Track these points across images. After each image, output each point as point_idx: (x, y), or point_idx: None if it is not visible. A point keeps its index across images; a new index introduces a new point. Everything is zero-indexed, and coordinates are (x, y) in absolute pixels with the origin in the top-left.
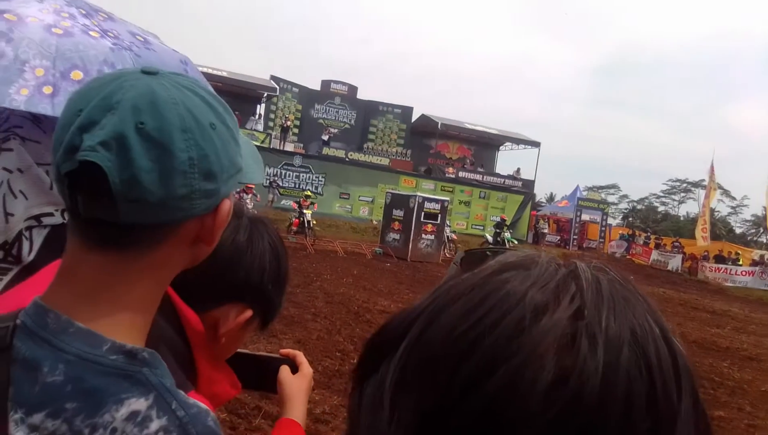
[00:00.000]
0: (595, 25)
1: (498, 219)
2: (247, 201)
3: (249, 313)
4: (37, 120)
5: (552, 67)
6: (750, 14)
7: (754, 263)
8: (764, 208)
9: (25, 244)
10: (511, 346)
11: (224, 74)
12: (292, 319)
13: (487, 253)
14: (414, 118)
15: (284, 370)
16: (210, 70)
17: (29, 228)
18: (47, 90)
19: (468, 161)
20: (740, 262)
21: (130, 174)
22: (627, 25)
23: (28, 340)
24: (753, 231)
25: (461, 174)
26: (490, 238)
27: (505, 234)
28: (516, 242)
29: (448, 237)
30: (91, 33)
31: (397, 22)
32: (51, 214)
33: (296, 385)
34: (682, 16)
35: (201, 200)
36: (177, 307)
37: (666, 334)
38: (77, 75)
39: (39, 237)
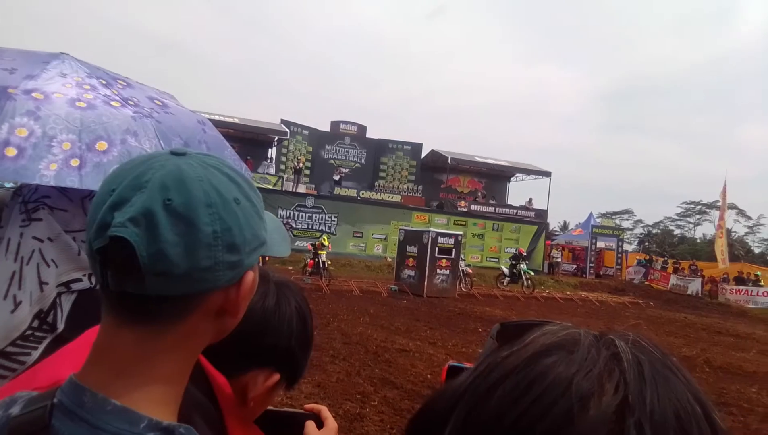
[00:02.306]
0: (603, 51)
1: (515, 251)
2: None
3: (276, 377)
4: (63, 189)
5: (560, 95)
6: (758, 34)
7: None
8: None
9: (58, 312)
10: None
11: (236, 120)
12: (311, 363)
13: (524, 324)
14: (424, 154)
15: (309, 426)
16: (222, 118)
17: (59, 294)
18: (74, 162)
19: (479, 194)
20: (761, 283)
21: (157, 248)
22: (635, 50)
23: (67, 419)
24: None
25: (473, 207)
26: (506, 271)
27: (522, 266)
28: (532, 274)
29: (463, 271)
30: (112, 103)
31: (403, 60)
32: (79, 280)
33: None
34: (690, 38)
35: (225, 272)
36: (207, 373)
37: (708, 412)
38: (102, 145)
39: (67, 303)
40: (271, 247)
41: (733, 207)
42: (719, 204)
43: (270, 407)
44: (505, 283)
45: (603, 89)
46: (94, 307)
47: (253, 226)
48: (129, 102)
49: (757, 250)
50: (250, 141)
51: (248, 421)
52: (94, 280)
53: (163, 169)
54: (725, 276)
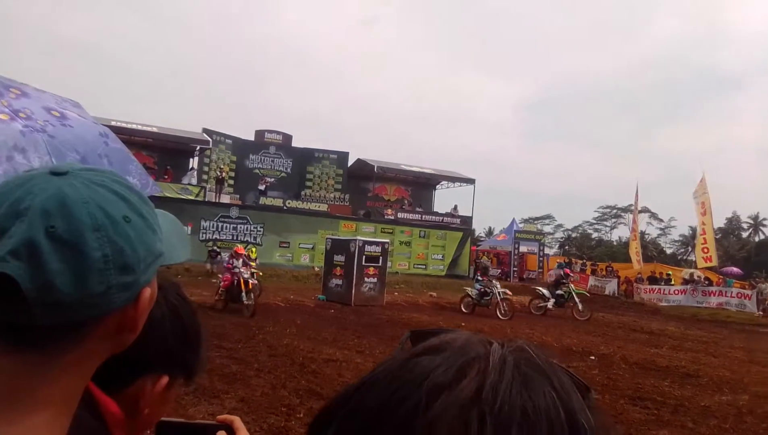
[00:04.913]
0: (526, 61)
1: (560, 271)
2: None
3: (165, 380)
4: None
5: (484, 104)
6: (668, 45)
7: (685, 282)
8: (691, 227)
9: None
10: (407, 428)
11: (154, 129)
12: (234, 377)
13: (432, 331)
14: (350, 162)
15: None
16: (139, 127)
17: None
18: None
19: (406, 202)
20: (672, 282)
21: (44, 280)
22: (555, 60)
23: None
24: (682, 250)
25: (400, 215)
26: (546, 293)
27: (570, 286)
28: (587, 294)
29: (499, 293)
30: (0, 116)
31: (330, 68)
32: None
33: None
34: (605, 48)
35: (119, 294)
36: (91, 393)
37: (571, 412)
38: None
39: None
40: (169, 256)
41: (645, 210)
42: (633, 208)
43: (179, 420)
44: (550, 306)
45: (524, 98)
46: None
47: (146, 242)
48: (20, 114)
49: (668, 251)
50: (171, 151)
51: (145, 427)
52: None
53: (44, 192)
54: (639, 276)
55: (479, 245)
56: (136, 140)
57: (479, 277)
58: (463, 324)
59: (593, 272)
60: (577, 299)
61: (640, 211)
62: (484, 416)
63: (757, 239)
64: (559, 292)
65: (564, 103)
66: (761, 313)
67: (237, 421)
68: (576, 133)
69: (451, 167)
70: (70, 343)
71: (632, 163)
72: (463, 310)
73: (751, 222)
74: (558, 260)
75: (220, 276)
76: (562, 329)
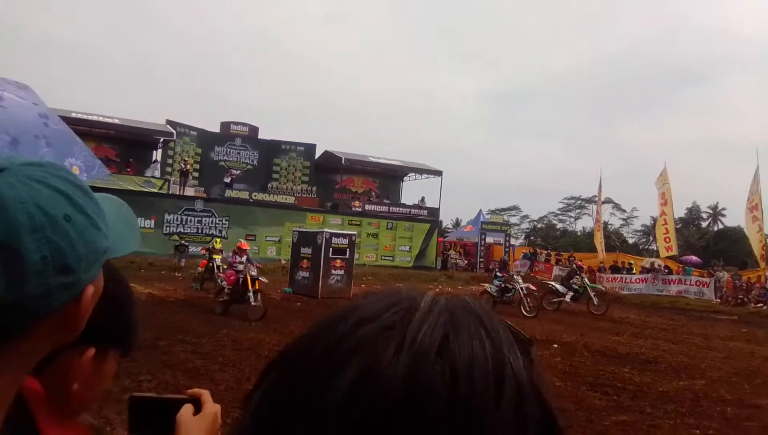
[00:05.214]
0: (493, 55)
1: (573, 265)
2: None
3: (91, 351)
4: None
5: (452, 97)
6: (630, 40)
7: (645, 271)
8: (652, 217)
9: None
10: (332, 354)
11: (116, 121)
12: (198, 372)
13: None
14: (317, 154)
15: (184, 410)
16: (100, 118)
17: None
18: None
19: (373, 194)
20: (634, 271)
21: None
22: (521, 54)
23: None
24: (644, 240)
25: (367, 207)
26: (560, 288)
27: (585, 280)
28: (603, 288)
29: (522, 289)
30: None
31: (298, 60)
32: None
33: (195, 427)
34: (573, 43)
35: (59, 295)
36: None
37: (499, 354)
38: None
39: None
40: (117, 248)
41: (608, 201)
42: (597, 199)
43: (149, 394)
44: (568, 300)
45: (492, 91)
46: None
47: (89, 240)
48: None
49: (630, 241)
50: (133, 143)
51: (82, 404)
52: None
53: None
54: (602, 265)
55: (446, 237)
56: (97, 132)
57: (498, 273)
58: (555, 345)
59: (557, 262)
60: (591, 293)
61: (603, 202)
62: (403, 343)
63: (716, 229)
64: (575, 286)
65: (531, 96)
66: (719, 300)
67: (205, 395)
68: (542, 126)
69: (419, 159)
70: (6, 345)
71: (596, 155)
72: None
73: (710, 212)
74: (523, 251)
75: (221, 275)
76: (589, 324)
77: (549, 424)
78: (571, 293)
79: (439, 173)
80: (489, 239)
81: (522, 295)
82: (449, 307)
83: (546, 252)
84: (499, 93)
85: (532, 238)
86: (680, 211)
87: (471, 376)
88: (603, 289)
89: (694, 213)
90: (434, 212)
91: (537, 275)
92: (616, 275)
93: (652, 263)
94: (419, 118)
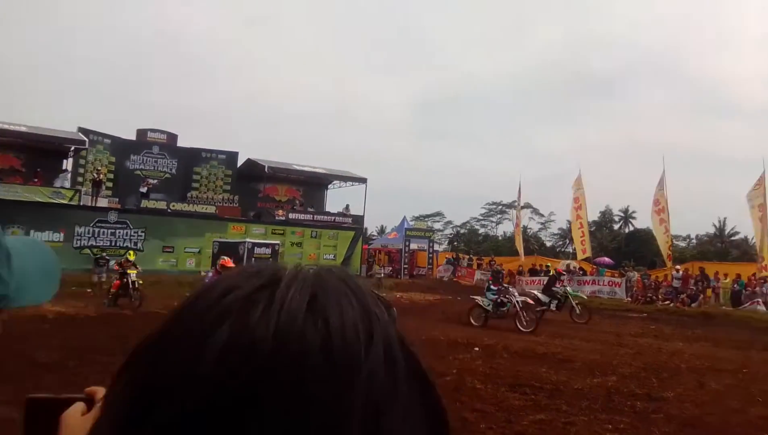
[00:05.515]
0: (416, 63)
1: (553, 272)
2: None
3: None
4: None
5: (375, 104)
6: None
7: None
8: (568, 221)
9: None
10: (201, 321)
11: (23, 129)
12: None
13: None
14: (240, 162)
15: (72, 409)
16: (6, 126)
17: None
18: None
19: (297, 202)
20: (551, 273)
21: None
22: (443, 61)
23: None
24: (560, 243)
25: (291, 215)
26: (542, 298)
27: (568, 288)
28: (584, 297)
29: (518, 304)
30: None
31: (218, 66)
32: None
33: (80, 425)
34: (493, 52)
35: None
36: None
37: (363, 302)
38: None
39: None
40: (20, 297)
41: (528, 206)
42: (516, 204)
43: (45, 395)
44: (553, 308)
45: (415, 98)
46: None
47: None
48: None
49: (548, 244)
50: (42, 151)
51: None
52: None
53: None
54: (520, 268)
55: (371, 244)
56: (2, 141)
57: (492, 286)
58: (476, 348)
59: (479, 266)
60: (573, 302)
61: (522, 207)
62: (273, 301)
63: (626, 231)
64: (558, 294)
65: (454, 103)
66: (629, 299)
67: (100, 392)
68: (465, 133)
69: (344, 167)
70: None
71: (516, 161)
72: (473, 322)
73: (622, 215)
74: (446, 256)
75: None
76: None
77: (416, 371)
78: (556, 301)
79: (363, 180)
80: (413, 245)
81: (518, 309)
82: (314, 271)
83: (468, 257)
84: (422, 100)
85: (455, 243)
86: (594, 215)
87: (342, 328)
88: (584, 296)
89: (606, 216)
90: (359, 220)
91: (459, 280)
92: (534, 278)
93: (568, 265)
94: (344, 125)
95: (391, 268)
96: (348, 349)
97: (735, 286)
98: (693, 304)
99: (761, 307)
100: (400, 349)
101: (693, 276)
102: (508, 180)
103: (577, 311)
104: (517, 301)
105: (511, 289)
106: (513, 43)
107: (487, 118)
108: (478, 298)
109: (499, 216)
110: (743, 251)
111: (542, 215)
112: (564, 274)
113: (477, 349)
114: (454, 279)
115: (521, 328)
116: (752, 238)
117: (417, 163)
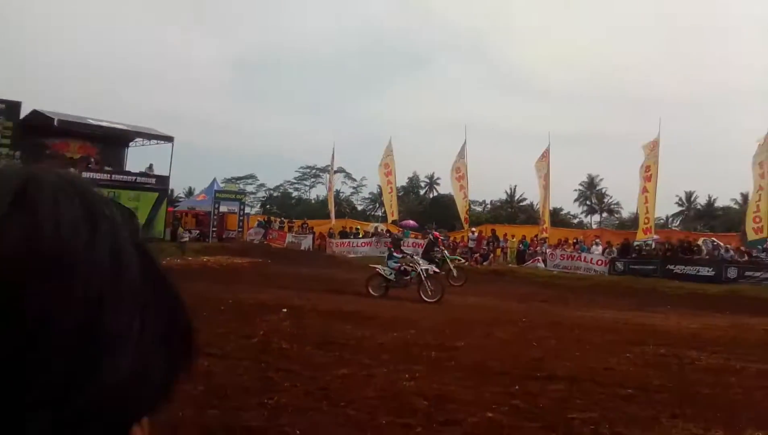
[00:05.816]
0: (234, 21)
1: (430, 236)
2: None
3: None
4: None
5: (186, 59)
6: (372, 19)
7: (370, 235)
8: (379, 186)
9: None
10: None
11: None
12: None
13: None
14: (23, 114)
15: None
16: None
17: None
18: None
19: (93, 160)
20: (360, 235)
21: None
22: (266, 21)
23: None
24: (371, 207)
25: (85, 174)
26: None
27: (444, 252)
28: (462, 261)
29: (423, 271)
30: None
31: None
32: None
33: None
34: (318, 16)
35: None
36: None
37: (87, 199)
38: None
39: None
40: None
41: (341, 170)
42: (330, 168)
43: None
44: (431, 272)
45: (231, 57)
46: None
47: None
48: None
49: (360, 208)
50: None
51: None
52: None
53: None
54: (331, 231)
55: (177, 206)
56: None
57: (393, 253)
58: (284, 310)
59: (290, 229)
60: (451, 265)
61: (335, 172)
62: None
63: (432, 196)
64: (436, 258)
65: (273, 65)
66: None
67: None
68: (281, 97)
69: (152, 125)
70: None
71: (330, 126)
72: (372, 292)
73: (428, 181)
74: (258, 219)
75: None
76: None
77: (151, 269)
78: (433, 265)
79: (170, 139)
80: (223, 208)
81: (423, 278)
82: (30, 167)
83: (280, 220)
84: (239, 60)
85: (267, 206)
86: (403, 181)
87: (56, 222)
88: (462, 260)
89: (414, 182)
90: (164, 180)
91: (271, 243)
92: (344, 240)
93: (376, 228)
94: (152, 81)
95: (198, 232)
96: (64, 244)
97: (520, 245)
98: (485, 263)
99: (540, 265)
100: (133, 247)
101: (486, 237)
102: (324, 145)
103: (454, 274)
104: (422, 270)
105: (415, 257)
106: (334, 11)
107: (305, 83)
108: (378, 267)
109: (312, 180)
110: (529, 215)
111: (354, 180)
112: (441, 239)
113: (285, 310)
114: (266, 242)
115: (426, 299)
116: (537, 204)
117: (233, 124)
